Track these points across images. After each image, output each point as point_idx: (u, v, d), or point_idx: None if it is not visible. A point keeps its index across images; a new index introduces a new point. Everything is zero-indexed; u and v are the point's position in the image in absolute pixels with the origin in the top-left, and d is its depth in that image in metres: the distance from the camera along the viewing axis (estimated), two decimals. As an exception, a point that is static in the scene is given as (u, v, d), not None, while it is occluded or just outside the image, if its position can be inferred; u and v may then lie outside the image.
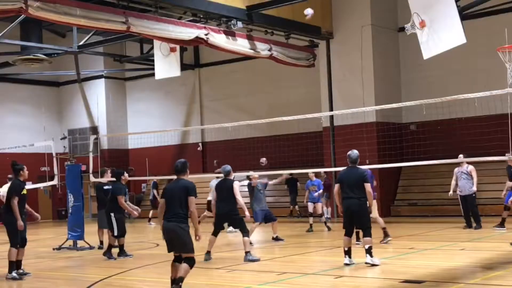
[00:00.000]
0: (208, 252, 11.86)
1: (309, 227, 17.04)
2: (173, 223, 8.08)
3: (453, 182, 16.26)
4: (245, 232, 11.65)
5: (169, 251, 8.31)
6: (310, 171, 17.35)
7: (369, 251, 10.05)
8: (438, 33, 12.71)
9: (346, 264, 10.13)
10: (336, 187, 10.51)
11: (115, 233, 12.97)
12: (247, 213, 12.14)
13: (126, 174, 13.37)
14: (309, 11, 16.97)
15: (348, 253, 10.19)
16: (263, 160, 16.86)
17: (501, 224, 15.31)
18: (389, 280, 9.08)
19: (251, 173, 14.96)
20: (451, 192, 16.26)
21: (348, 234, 10.26)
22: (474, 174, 15.98)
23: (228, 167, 12.18)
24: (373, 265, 9.99)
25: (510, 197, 14.93)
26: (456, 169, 16.31)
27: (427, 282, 8.76)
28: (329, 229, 17.20)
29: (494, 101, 12.83)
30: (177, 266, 8.22)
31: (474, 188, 15.98)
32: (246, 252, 11.53)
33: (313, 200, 17.26)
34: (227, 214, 11.88)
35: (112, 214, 12.99)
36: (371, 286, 9.03)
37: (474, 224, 15.96)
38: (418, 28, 13.01)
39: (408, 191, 22.16)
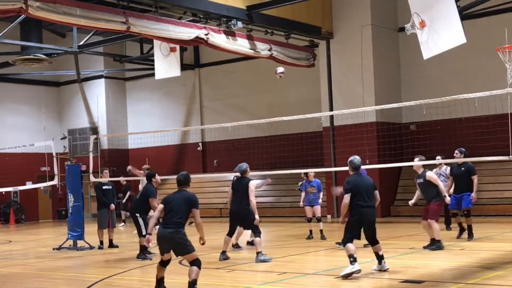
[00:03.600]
0: (224, 252, 11.83)
1: (309, 234, 15.28)
2: (170, 230, 8.15)
3: None
4: (257, 233, 11.57)
5: (162, 253, 8.40)
6: (311, 170, 15.63)
7: (383, 257, 9.72)
8: (438, 33, 12.71)
9: (359, 271, 9.24)
10: (348, 197, 9.46)
11: (143, 233, 12.38)
12: (257, 216, 11.74)
13: (157, 177, 12.83)
14: (280, 70, 16.70)
15: (356, 259, 9.33)
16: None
17: (461, 233, 13.79)
18: (389, 280, 9.08)
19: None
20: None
21: (352, 241, 9.44)
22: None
23: (244, 166, 11.99)
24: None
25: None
26: (434, 170, 15.90)
27: (427, 282, 8.76)
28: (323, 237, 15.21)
29: (494, 101, 12.83)
30: (162, 269, 8.50)
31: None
32: (258, 252, 11.38)
33: (310, 203, 15.26)
34: (238, 213, 11.84)
35: (138, 215, 12.67)
36: (371, 286, 9.02)
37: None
38: (418, 28, 13.01)
39: (408, 191, 22.07)
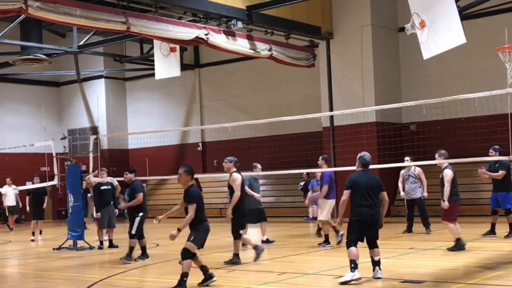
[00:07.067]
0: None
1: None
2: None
3: (400, 185, 15.84)
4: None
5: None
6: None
7: (379, 263, 9.12)
8: (438, 33, 12.70)
9: (359, 279, 8.67)
10: (347, 194, 8.94)
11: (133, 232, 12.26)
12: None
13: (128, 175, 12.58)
14: None
15: (357, 265, 8.76)
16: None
17: (491, 232, 13.91)
18: (389, 280, 9.07)
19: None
20: (402, 193, 15.84)
21: (356, 244, 8.87)
22: (422, 176, 15.40)
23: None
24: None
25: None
26: (402, 171, 15.84)
27: (427, 282, 8.76)
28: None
29: (494, 101, 12.83)
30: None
31: (425, 194, 15.38)
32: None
33: (315, 202, 15.64)
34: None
35: (138, 214, 12.37)
36: (371, 286, 9.01)
37: (425, 228, 15.47)
38: (418, 28, 13.00)
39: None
